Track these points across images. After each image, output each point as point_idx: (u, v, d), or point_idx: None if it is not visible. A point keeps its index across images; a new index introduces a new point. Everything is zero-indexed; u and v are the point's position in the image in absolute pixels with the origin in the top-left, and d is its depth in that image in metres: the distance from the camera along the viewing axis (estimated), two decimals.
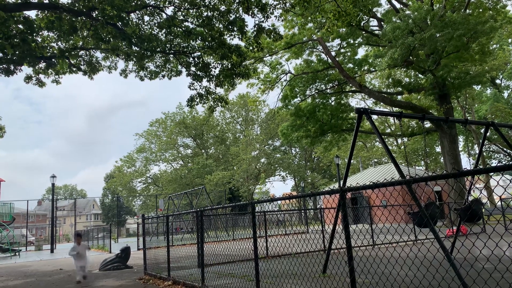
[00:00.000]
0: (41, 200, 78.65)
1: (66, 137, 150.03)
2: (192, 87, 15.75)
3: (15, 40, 10.70)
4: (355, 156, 46.99)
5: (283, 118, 44.86)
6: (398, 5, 24.34)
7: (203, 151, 59.75)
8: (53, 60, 12.99)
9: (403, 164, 37.09)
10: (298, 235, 14.70)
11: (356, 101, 43.31)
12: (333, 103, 27.83)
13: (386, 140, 43.92)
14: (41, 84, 14.08)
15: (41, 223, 70.12)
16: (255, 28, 13.23)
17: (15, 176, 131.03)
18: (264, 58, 26.33)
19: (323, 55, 26.36)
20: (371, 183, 3.48)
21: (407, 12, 20.26)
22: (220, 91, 21.46)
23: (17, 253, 23.14)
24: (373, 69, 25.98)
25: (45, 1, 10.96)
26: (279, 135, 33.41)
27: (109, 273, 10.56)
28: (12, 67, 11.84)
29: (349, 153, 6.47)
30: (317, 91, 27.52)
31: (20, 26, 10.92)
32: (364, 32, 24.62)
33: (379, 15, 24.94)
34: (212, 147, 61.10)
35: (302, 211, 29.80)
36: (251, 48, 14.23)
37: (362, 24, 22.62)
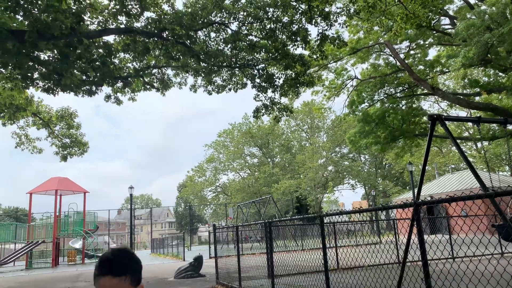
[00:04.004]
0: (120, 209, 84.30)
1: (142, 149, 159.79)
2: (257, 99, 16.03)
3: (97, 63, 11.68)
4: (429, 162, 44.46)
5: (350, 125, 43.80)
6: (472, 1, 22.81)
7: (269, 160, 60.20)
8: (129, 79, 13.98)
9: (484, 170, 34.34)
10: (370, 246, 14.18)
11: (429, 104, 40.98)
12: (403, 108, 26.67)
13: (464, 144, 40.99)
14: (119, 102, 15.20)
15: (121, 231, 75.03)
16: (319, 37, 13.17)
17: (97, 186, 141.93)
18: (329, 65, 26.02)
19: (391, 58, 25.44)
20: (448, 196, 3.28)
21: (483, 7, 18.91)
22: (284, 100, 21.57)
23: None
24: (447, 70, 24.51)
25: (121, 26, 11.86)
26: (346, 142, 32.68)
27: (183, 281, 10.99)
28: (94, 88, 12.91)
29: (423, 160, 6.15)
30: (386, 95, 26.56)
31: (101, 50, 11.91)
32: (435, 32, 23.37)
33: (451, 12, 23.55)
34: (278, 156, 61.33)
35: (374, 221, 28.74)
36: (315, 56, 14.17)
37: (432, 24, 21.50)
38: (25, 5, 9.25)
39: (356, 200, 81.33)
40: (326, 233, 5.54)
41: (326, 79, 27.32)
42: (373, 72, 25.68)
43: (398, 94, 26.48)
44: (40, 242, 22.78)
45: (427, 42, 24.38)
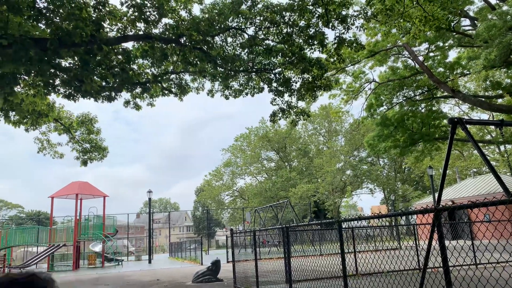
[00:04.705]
0: (139, 213, 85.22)
1: (160, 153, 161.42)
2: (274, 103, 16.02)
3: (116, 69, 11.88)
4: (450, 166, 43.58)
5: (368, 128, 43.36)
6: (493, 1, 22.33)
7: (286, 164, 60.03)
8: (147, 85, 14.16)
9: (507, 174, 33.44)
10: (389, 251, 13.97)
11: (449, 106, 40.18)
12: (423, 110, 26.24)
13: (486, 148, 40.03)
14: (137, 107, 15.40)
15: (139, 234, 75.83)
16: (336, 40, 13.10)
17: (116, 191, 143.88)
18: (346, 68, 25.84)
19: (409, 61, 25.10)
20: (470, 202, 3.20)
21: (505, 8, 18.49)
22: (301, 104, 21.51)
23: (120, 263, 25.27)
24: (467, 72, 24.02)
25: (140, 33, 12.04)
26: (365, 146, 32.33)
27: (201, 286, 11.02)
28: (113, 94, 13.13)
29: (443, 164, 6.03)
30: (405, 98, 26.20)
31: (120, 57, 12.11)
32: (455, 34, 22.95)
33: (471, 13, 23.10)
34: (295, 160, 61.09)
35: (393, 226, 28.28)
36: (332, 60, 14.09)
37: (452, 25, 21.13)
38: (47, 14, 9.49)
39: (375, 204, 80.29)
40: (344, 238, 5.48)
41: (344, 83, 27.13)
42: (392, 75, 25.37)
43: (417, 97, 26.08)
44: (61, 245, 23.23)
45: (446, 44, 23.97)
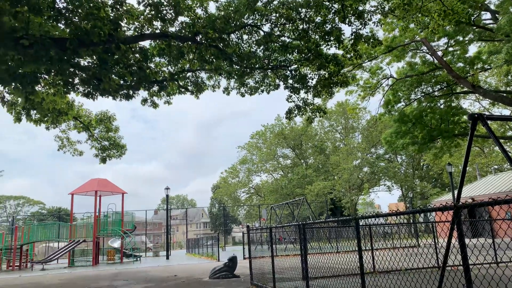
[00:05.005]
0: (157, 209, 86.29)
1: (177, 150, 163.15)
2: (290, 100, 15.98)
3: (133, 68, 12.03)
4: (470, 163, 42.75)
5: (386, 125, 42.83)
6: None
7: (302, 161, 59.82)
8: (164, 83, 14.30)
9: None
10: (407, 249, 13.81)
11: (469, 102, 39.41)
12: (442, 107, 25.79)
13: (508, 144, 39.07)
14: (155, 105, 15.57)
15: (157, 230, 76.74)
16: (352, 36, 12.97)
17: (134, 187, 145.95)
18: (363, 64, 25.57)
19: (428, 56, 24.68)
20: (491, 199, 3.14)
21: None
22: (318, 101, 21.40)
23: (138, 259, 25.64)
24: (488, 67, 23.48)
25: (156, 31, 12.15)
26: (382, 143, 31.97)
27: (218, 282, 11.11)
28: (131, 92, 13.30)
29: (463, 161, 5.92)
30: (423, 94, 25.79)
31: (137, 55, 12.25)
32: (475, 28, 22.45)
33: (492, 7, 22.55)
34: (311, 157, 60.82)
35: (412, 224, 27.91)
36: (348, 56, 13.97)
37: (472, 19, 20.67)
38: (67, 14, 9.66)
39: (393, 202, 79.35)
40: (361, 236, 5.45)
41: (361, 79, 26.87)
42: (409, 71, 25.00)
43: (436, 93, 25.64)
44: (81, 241, 23.68)
45: (466, 38, 23.47)
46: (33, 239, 24.04)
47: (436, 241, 12.38)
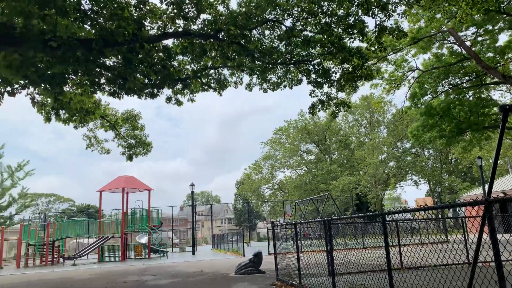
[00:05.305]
0: (183, 205, 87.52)
1: (201, 147, 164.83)
2: (313, 94, 15.85)
3: (157, 67, 12.19)
4: (502, 156, 41.37)
5: (412, 118, 41.92)
6: None
7: (326, 156, 59.30)
8: (187, 81, 14.43)
9: None
10: (436, 245, 13.51)
11: (500, 93, 37.91)
12: (471, 98, 25.01)
13: None
14: (179, 103, 15.75)
15: (183, 226, 77.87)
16: (376, 29, 12.72)
17: (160, 184, 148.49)
18: (388, 57, 25.06)
19: (455, 47, 23.96)
20: None
21: None
22: (341, 95, 21.14)
23: (165, 254, 26.09)
24: None
25: (179, 30, 12.27)
26: (408, 137, 31.32)
27: (244, 277, 11.17)
28: (155, 91, 13.49)
29: (494, 154, 5.72)
30: (451, 86, 25.09)
31: (161, 54, 12.40)
32: (505, 16, 21.61)
33: None
34: (336, 152, 60.20)
35: (440, 219, 27.30)
36: (373, 49, 13.71)
37: (502, 7, 19.91)
38: (92, 15, 9.87)
39: (420, 196, 77.76)
40: (388, 231, 5.36)
41: (386, 72, 26.37)
42: (436, 62, 24.34)
43: (464, 84, 24.90)
44: (110, 237, 24.29)
45: (496, 27, 22.63)
46: (64, 235, 24.81)
47: (467, 237, 12.06)
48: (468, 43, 22.90)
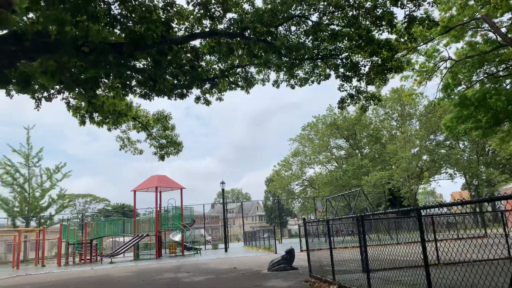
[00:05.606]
0: (214, 203, 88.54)
1: (230, 145, 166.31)
2: (341, 89, 15.64)
3: (186, 67, 12.37)
4: None
5: (445, 110, 40.65)
6: None
7: (357, 151, 58.40)
8: (215, 80, 14.57)
9: None
10: (474, 240, 13.05)
11: None
12: (508, 87, 23.99)
13: None
14: (208, 103, 15.92)
15: (215, 224, 78.70)
16: (406, 19, 12.39)
17: (191, 182, 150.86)
18: (418, 48, 24.38)
19: (490, 34, 23.03)
20: None
21: None
22: (371, 88, 20.74)
23: (198, 251, 26.50)
24: None
25: (206, 30, 12.39)
26: (442, 129, 30.40)
27: (277, 274, 11.20)
28: (184, 91, 13.69)
29: None
30: (486, 75, 24.16)
31: (189, 55, 12.57)
32: None
33: None
34: (367, 147, 59.16)
35: (478, 213, 26.37)
36: (402, 40, 13.37)
37: None
38: (121, 19, 10.12)
39: (456, 190, 75.37)
40: (423, 226, 5.23)
41: (416, 63, 25.66)
42: (470, 51, 23.47)
43: (501, 73, 23.90)
44: (144, 235, 24.90)
45: None
46: (101, 234, 25.64)
47: (507, 231, 11.61)
48: (503, 30, 21.95)
